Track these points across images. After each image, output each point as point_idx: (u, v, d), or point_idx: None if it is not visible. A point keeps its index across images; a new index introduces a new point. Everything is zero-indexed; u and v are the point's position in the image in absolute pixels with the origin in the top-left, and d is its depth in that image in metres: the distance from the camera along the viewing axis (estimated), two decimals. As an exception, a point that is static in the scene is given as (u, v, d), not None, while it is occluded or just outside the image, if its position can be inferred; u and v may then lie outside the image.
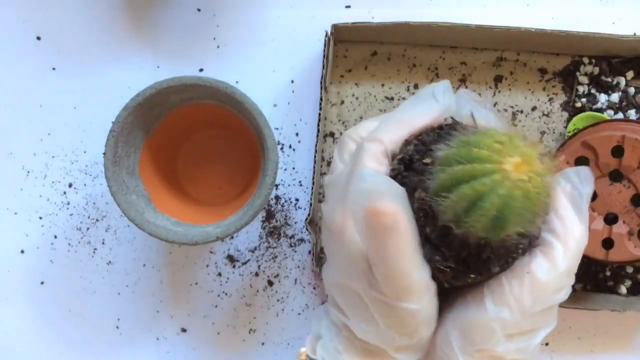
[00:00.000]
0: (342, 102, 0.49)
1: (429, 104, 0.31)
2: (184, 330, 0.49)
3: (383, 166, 0.30)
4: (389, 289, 0.28)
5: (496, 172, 0.24)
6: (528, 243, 0.29)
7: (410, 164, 0.30)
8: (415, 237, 0.28)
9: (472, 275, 0.29)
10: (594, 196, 0.42)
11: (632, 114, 0.47)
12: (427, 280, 0.29)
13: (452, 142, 0.27)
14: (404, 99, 0.48)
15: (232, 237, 0.49)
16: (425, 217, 0.28)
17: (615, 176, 0.42)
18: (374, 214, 0.27)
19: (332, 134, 0.49)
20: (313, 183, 0.45)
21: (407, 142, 0.31)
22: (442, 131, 0.31)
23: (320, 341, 0.33)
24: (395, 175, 0.30)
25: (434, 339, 0.32)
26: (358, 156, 0.30)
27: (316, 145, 0.45)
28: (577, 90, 0.48)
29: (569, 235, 0.29)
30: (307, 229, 0.44)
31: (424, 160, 0.29)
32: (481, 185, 0.24)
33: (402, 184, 0.29)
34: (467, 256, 0.28)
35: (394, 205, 0.27)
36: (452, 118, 0.32)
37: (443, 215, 0.27)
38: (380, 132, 0.31)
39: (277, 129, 0.49)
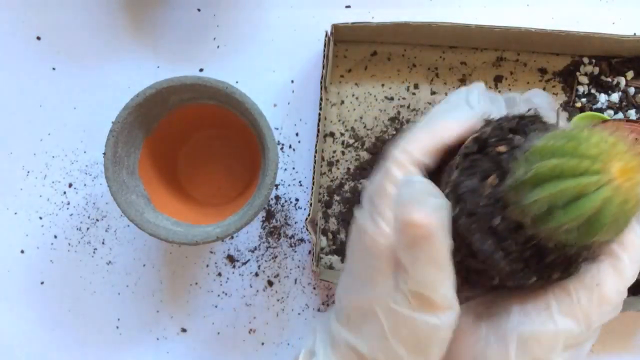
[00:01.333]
0: (342, 102, 0.49)
1: (463, 112, 0.30)
2: (184, 330, 0.49)
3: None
4: (412, 298, 0.28)
5: (603, 172, 0.23)
6: (589, 253, 0.28)
7: (485, 146, 0.28)
8: (449, 251, 0.27)
9: (535, 278, 0.27)
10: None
11: (632, 114, 0.47)
12: (452, 298, 0.28)
13: (550, 134, 0.25)
14: (404, 99, 0.48)
15: (232, 237, 0.49)
16: (494, 206, 0.27)
17: (615, 176, 0.42)
18: (409, 224, 0.26)
19: (332, 134, 0.49)
20: (313, 183, 0.45)
21: (486, 122, 0.29)
22: (522, 121, 0.29)
23: (314, 359, 0.32)
24: (467, 153, 0.28)
25: (485, 347, 0.30)
26: (384, 165, 0.30)
27: (316, 145, 0.45)
28: (577, 90, 0.48)
29: (636, 248, 0.28)
30: (307, 229, 0.44)
31: (498, 149, 0.28)
32: (587, 183, 0.23)
33: (472, 165, 0.28)
34: (530, 257, 0.27)
35: (431, 217, 0.26)
36: (534, 110, 0.30)
37: (523, 211, 0.25)
38: (409, 141, 0.30)
39: (277, 129, 0.49)
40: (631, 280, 0.28)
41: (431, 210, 0.26)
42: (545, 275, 0.28)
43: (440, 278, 0.27)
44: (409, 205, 0.26)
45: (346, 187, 0.48)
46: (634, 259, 0.28)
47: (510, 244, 0.27)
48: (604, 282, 0.27)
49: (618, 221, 0.24)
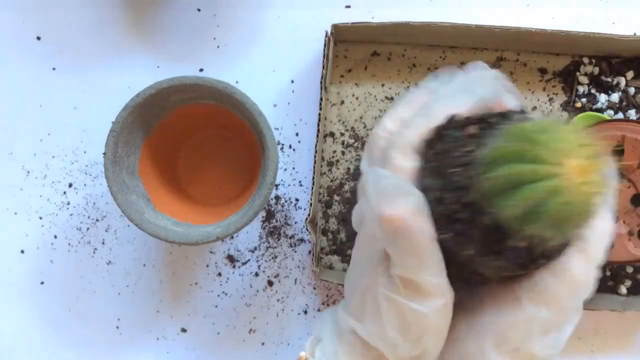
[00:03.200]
0: (342, 102, 0.49)
1: (462, 98, 0.30)
2: (184, 330, 0.49)
3: (412, 162, 0.29)
4: (401, 284, 0.28)
5: (557, 165, 0.23)
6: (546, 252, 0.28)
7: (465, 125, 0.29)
8: (431, 239, 0.27)
9: (497, 262, 0.27)
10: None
11: (632, 114, 0.47)
12: (441, 286, 0.28)
13: (533, 121, 0.25)
14: (404, 99, 0.48)
15: (232, 237, 0.49)
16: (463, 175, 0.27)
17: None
18: (385, 218, 0.27)
19: (332, 134, 0.49)
20: (313, 183, 0.45)
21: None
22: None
23: (320, 344, 0.33)
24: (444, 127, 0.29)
25: (464, 343, 0.31)
26: (387, 153, 0.30)
27: (316, 145, 0.45)
28: (577, 90, 0.48)
29: (600, 230, 0.29)
30: (307, 229, 0.44)
31: (470, 130, 0.28)
32: (539, 171, 0.23)
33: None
34: (485, 238, 0.27)
35: (404, 210, 0.27)
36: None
37: (480, 185, 0.25)
38: (410, 127, 0.30)
39: (277, 129, 0.49)
40: (599, 260, 0.29)
41: (404, 205, 0.27)
42: (504, 260, 0.27)
43: (424, 266, 0.27)
44: (380, 202, 0.27)
45: (346, 187, 0.48)
46: (601, 241, 0.29)
47: (461, 214, 0.27)
48: (571, 266, 0.28)
49: (564, 220, 0.24)
